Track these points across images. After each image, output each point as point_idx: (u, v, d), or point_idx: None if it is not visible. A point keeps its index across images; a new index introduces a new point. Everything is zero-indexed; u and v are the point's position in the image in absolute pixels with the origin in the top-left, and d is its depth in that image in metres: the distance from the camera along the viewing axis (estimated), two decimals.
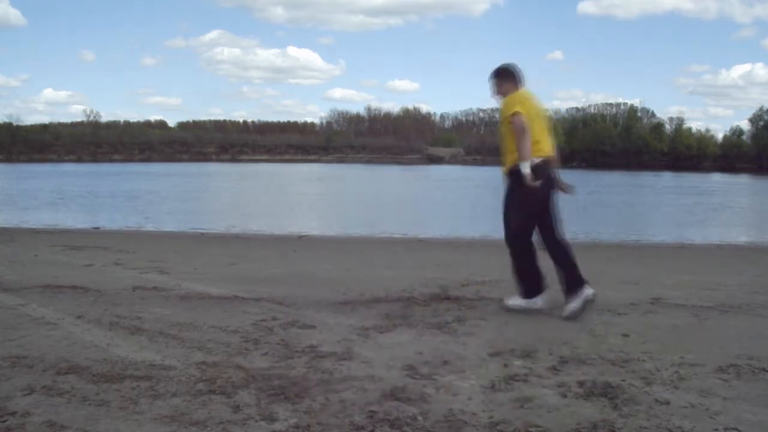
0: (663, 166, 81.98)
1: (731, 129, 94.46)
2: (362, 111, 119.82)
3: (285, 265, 6.80)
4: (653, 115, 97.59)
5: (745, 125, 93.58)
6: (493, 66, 4.39)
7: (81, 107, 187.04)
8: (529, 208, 4.08)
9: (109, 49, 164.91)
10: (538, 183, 3.94)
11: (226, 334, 3.51)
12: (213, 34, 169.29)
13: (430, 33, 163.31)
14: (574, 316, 3.96)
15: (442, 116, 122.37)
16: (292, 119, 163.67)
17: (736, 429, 2.31)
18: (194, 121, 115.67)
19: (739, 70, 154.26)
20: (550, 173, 4.10)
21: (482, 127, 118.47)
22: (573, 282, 4.04)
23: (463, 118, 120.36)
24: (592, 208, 18.91)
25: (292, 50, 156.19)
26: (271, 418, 2.34)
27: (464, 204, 22.03)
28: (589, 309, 4.08)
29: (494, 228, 14.15)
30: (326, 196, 25.58)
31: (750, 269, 7.14)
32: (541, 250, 4.16)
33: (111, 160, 80.00)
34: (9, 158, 69.15)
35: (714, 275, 6.45)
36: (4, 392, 2.56)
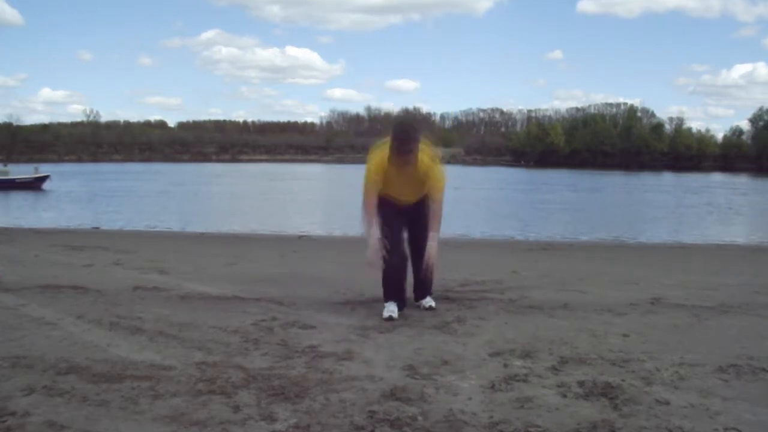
0: (663, 167, 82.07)
1: (731, 129, 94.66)
2: (362, 111, 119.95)
3: (285, 265, 6.80)
4: (653, 115, 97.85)
5: (745, 125, 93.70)
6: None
7: (80, 107, 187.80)
8: None
9: (106, 49, 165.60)
10: None
11: (226, 334, 3.51)
12: (210, 34, 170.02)
13: (431, 32, 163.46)
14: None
15: (442, 116, 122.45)
16: (292, 119, 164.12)
17: (736, 429, 2.31)
18: (194, 121, 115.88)
19: (739, 70, 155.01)
20: None
21: (482, 127, 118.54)
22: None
23: (463, 118, 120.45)
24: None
25: (290, 50, 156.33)
26: (271, 418, 2.34)
27: (464, 204, 22.12)
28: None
29: (494, 228, 14.28)
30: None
31: (750, 269, 7.14)
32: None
33: (111, 160, 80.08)
34: (9, 158, 69.12)
35: (714, 275, 6.46)
36: (4, 392, 2.55)
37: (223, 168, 64.20)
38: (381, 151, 3.78)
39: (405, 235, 4.06)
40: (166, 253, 7.67)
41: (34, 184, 27.83)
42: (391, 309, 3.91)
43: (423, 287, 4.22)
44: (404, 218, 4.02)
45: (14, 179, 27.80)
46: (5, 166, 29.56)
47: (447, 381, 2.78)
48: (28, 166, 31.47)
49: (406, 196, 3.91)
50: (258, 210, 19.57)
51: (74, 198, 23.52)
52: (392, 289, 3.98)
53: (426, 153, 3.81)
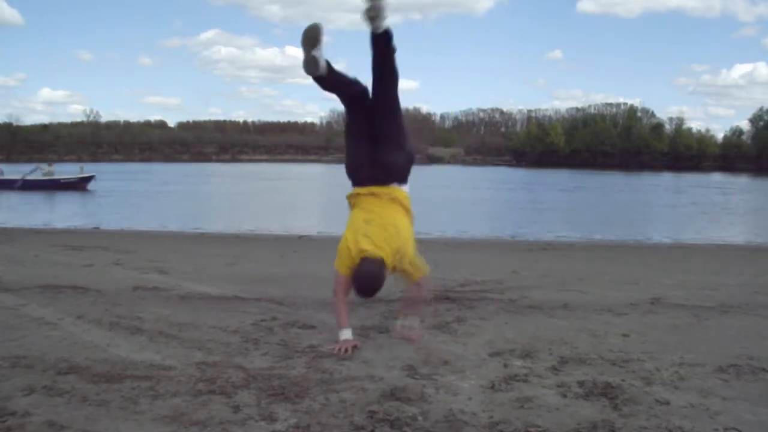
0: (663, 167, 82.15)
1: (731, 129, 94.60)
2: None
3: (285, 265, 6.80)
4: (653, 115, 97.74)
5: (745, 125, 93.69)
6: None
7: (79, 107, 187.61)
8: None
9: (106, 49, 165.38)
10: None
11: (226, 334, 3.51)
12: (209, 34, 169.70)
13: (431, 32, 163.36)
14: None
15: (442, 116, 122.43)
16: (292, 119, 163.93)
17: (736, 429, 2.31)
18: (194, 121, 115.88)
19: (740, 70, 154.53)
20: None
21: (482, 127, 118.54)
22: None
23: (463, 118, 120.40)
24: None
25: (290, 49, 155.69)
26: (271, 418, 2.34)
27: (463, 204, 22.21)
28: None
29: (494, 228, 14.30)
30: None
31: (750, 269, 7.14)
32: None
33: (111, 160, 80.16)
34: (9, 158, 69.21)
35: (714, 275, 6.46)
36: (4, 392, 2.55)
37: (221, 168, 64.43)
38: (349, 257, 3.32)
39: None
40: (166, 253, 7.67)
41: (78, 185, 27.46)
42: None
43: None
44: None
45: (59, 179, 27.49)
46: (50, 165, 29.25)
47: (447, 381, 2.78)
48: (28, 166, 31.31)
49: None
50: (239, 209, 19.71)
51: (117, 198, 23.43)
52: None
53: (393, 250, 3.28)
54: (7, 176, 27.25)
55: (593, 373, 2.90)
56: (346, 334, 3.32)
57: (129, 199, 23.28)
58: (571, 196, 28.18)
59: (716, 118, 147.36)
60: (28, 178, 26.83)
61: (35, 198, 22.47)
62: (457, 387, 2.71)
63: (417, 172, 3.80)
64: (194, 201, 23.24)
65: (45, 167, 28.48)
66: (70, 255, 7.25)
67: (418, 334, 3.37)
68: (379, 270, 3.20)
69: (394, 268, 3.32)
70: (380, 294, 4.28)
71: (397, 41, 3.61)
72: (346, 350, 3.19)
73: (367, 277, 3.19)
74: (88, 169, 31.68)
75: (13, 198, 22.25)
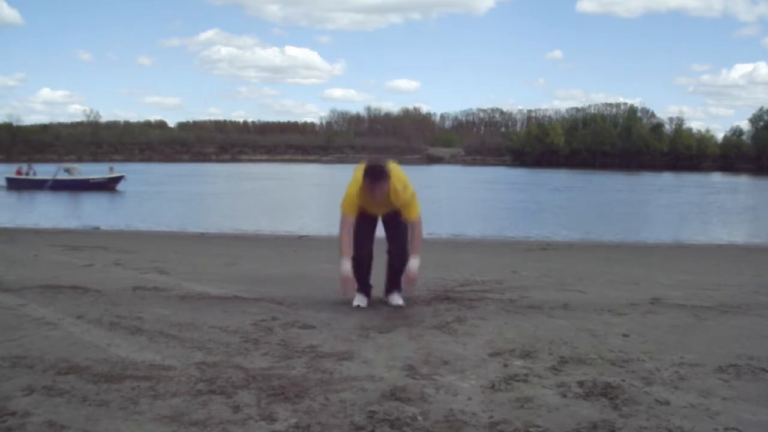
0: (663, 167, 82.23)
1: (731, 129, 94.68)
2: (362, 111, 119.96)
3: (285, 265, 6.80)
4: (653, 115, 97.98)
5: (745, 125, 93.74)
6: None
7: (79, 107, 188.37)
8: None
9: (105, 49, 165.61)
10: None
11: (226, 334, 3.51)
12: (209, 33, 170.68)
13: (431, 32, 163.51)
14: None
15: (442, 116, 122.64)
16: (292, 119, 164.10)
17: (736, 429, 2.31)
18: (194, 122, 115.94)
19: (740, 70, 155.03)
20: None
21: (482, 127, 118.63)
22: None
23: (463, 118, 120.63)
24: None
25: (290, 49, 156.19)
26: (271, 418, 2.34)
27: (463, 204, 22.25)
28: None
29: (494, 228, 14.31)
30: None
31: (750, 269, 7.14)
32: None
33: (111, 160, 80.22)
34: (9, 158, 69.18)
35: (714, 275, 6.46)
36: (4, 392, 2.55)
37: (222, 168, 64.46)
38: (357, 182, 4.09)
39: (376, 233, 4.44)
40: (166, 253, 7.67)
41: (108, 185, 27.03)
42: (358, 299, 4.31)
43: (392, 284, 4.42)
44: (375, 222, 4.38)
45: (88, 180, 27.18)
46: (73, 165, 28.99)
47: (447, 381, 2.78)
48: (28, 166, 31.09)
49: (378, 210, 4.28)
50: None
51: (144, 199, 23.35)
52: (357, 282, 4.27)
53: (397, 178, 4.11)
54: (39, 176, 27.17)
55: (593, 373, 2.90)
56: (346, 264, 4.01)
57: (160, 199, 23.17)
58: (570, 196, 28.27)
59: (716, 118, 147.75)
60: (58, 178, 26.64)
61: (66, 199, 22.28)
62: (457, 387, 2.71)
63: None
64: (197, 202, 23.25)
65: (68, 167, 28.23)
66: (70, 255, 7.25)
67: (414, 274, 4.09)
68: (384, 162, 4.03)
69: (395, 193, 4.02)
70: (379, 295, 4.30)
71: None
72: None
73: (374, 161, 4.02)
74: (88, 169, 31.51)
75: (46, 198, 22.13)
